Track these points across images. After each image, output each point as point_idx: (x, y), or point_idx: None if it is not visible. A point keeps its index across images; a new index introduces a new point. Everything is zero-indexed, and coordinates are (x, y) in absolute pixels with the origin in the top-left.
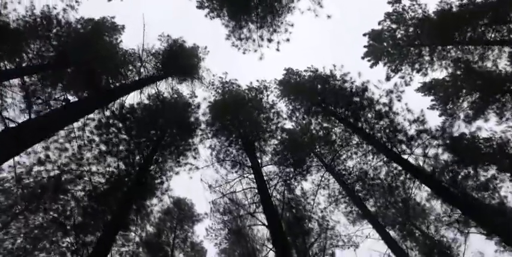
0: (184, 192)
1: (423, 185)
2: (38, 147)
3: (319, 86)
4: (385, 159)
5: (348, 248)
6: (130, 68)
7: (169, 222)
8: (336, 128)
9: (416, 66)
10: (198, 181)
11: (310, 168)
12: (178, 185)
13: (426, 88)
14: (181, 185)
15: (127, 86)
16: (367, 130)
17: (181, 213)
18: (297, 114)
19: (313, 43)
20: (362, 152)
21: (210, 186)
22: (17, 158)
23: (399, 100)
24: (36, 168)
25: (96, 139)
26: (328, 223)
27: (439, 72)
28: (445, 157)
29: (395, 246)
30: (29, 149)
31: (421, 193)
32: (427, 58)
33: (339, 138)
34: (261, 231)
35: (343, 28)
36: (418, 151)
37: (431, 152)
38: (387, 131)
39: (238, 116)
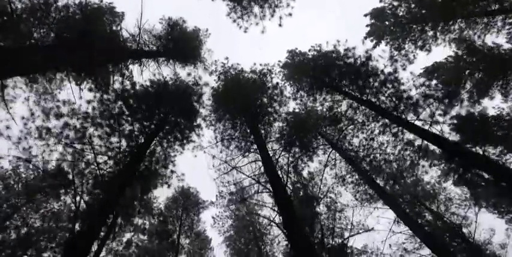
0: (189, 181)
1: (433, 147)
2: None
3: (323, 63)
4: (392, 130)
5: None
6: None
7: (175, 210)
8: (342, 103)
9: (419, 43)
10: (202, 169)
11: (316, 148)
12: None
13: (429, 72)
14: (186, 173)
15: (126, 50)
16: (373, 100)
17: (187, 201)
18: (301, 93)
19: (316, 27)
20: (368, 129)
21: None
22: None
23: (404, 69)
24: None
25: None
26: (336, 203)
27: (442, 48)
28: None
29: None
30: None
31: (431, 171)
32: (430, 33)
33: (344, 116)
34: (266, 211)
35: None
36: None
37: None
38: (393, 98)
39: (242, 100)
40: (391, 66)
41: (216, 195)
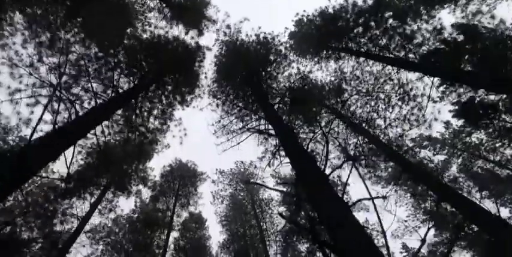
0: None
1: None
2: None
3: (330, 27)
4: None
5: None
6: None
7: (171, 182)
8: (349, 62)
9: None
10: (199, 145)
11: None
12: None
13: None
14: (184, 148)
15: None
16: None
17: (184, 173)
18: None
19: None
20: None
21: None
22: None
23: None
24: None
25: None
26: None
27: None
28: None
29: None
30: None
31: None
32: None
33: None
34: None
35: None
36: None
37: None
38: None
39: (248, 69)
40: None
41: (216, 169)
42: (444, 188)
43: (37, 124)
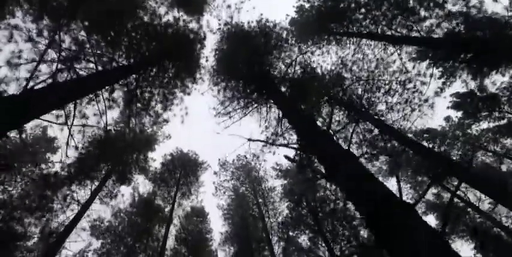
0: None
1: None
2: None
3: (331, 9)
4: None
5: None
6: None
7: (172, 171)
8: (350, 47)
9: None
10: (200, 133)
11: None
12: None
13: None
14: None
15: None
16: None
17: (185, 162)
18: (308, 44)
19: None
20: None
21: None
22: None
23: None
24: None
25: None
26: None
27: None
28: None
29: None
30: None
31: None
32: None
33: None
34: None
35: None
36: None
37: None
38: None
39: (249, 55)
40: None
41: (219, 159)
42: None
43: (33, 73)
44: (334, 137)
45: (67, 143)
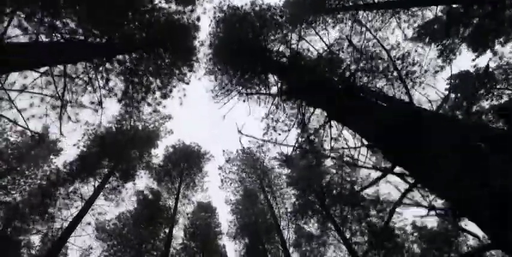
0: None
1: None
2: None
3: None
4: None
5: None
6: None
7: (175, 163)
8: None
9: None
10: (199, 119)
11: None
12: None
13: None
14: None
15: None
16: None
17: (188, 155)
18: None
19: None
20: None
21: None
22: None
23: None
24: None
25: None
26: None
27: None
28: None
29: None
30: None
31: None
32: None
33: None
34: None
35: None
36: None
37: None
38: None
39: (244, 39)
40: None
41: (223, 150)
42: None
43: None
44: None
45: (60, 117)
